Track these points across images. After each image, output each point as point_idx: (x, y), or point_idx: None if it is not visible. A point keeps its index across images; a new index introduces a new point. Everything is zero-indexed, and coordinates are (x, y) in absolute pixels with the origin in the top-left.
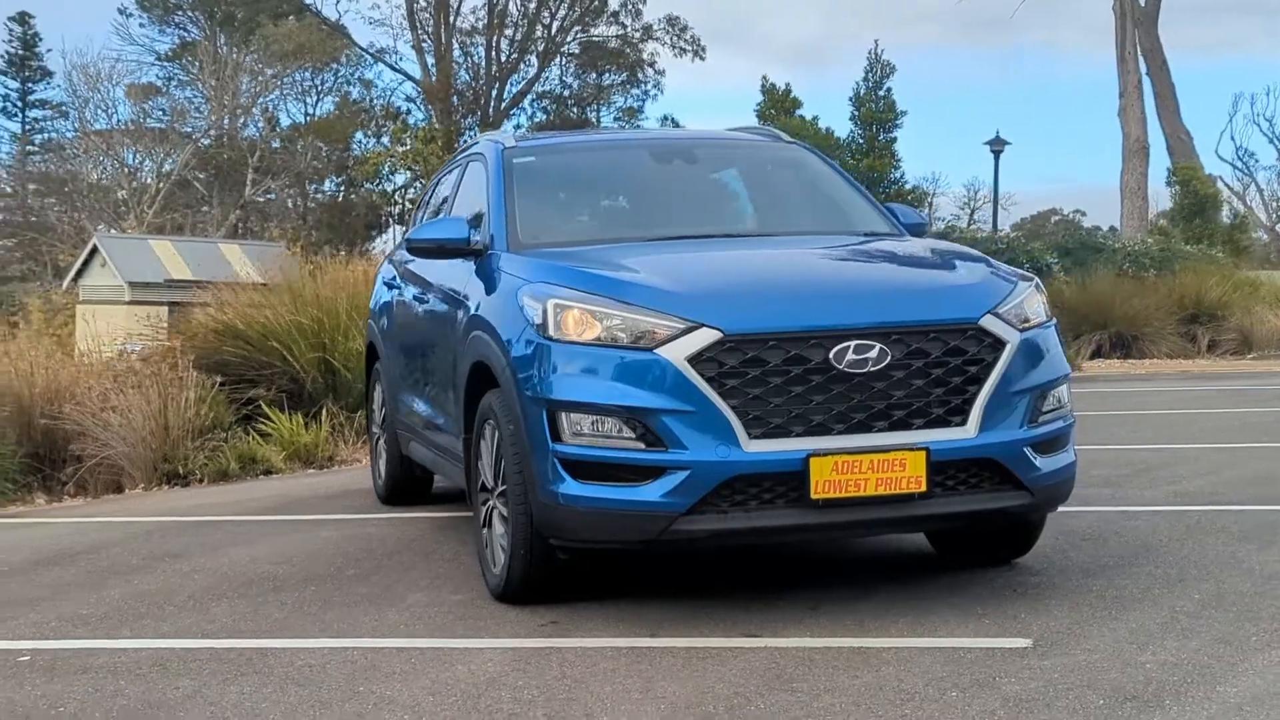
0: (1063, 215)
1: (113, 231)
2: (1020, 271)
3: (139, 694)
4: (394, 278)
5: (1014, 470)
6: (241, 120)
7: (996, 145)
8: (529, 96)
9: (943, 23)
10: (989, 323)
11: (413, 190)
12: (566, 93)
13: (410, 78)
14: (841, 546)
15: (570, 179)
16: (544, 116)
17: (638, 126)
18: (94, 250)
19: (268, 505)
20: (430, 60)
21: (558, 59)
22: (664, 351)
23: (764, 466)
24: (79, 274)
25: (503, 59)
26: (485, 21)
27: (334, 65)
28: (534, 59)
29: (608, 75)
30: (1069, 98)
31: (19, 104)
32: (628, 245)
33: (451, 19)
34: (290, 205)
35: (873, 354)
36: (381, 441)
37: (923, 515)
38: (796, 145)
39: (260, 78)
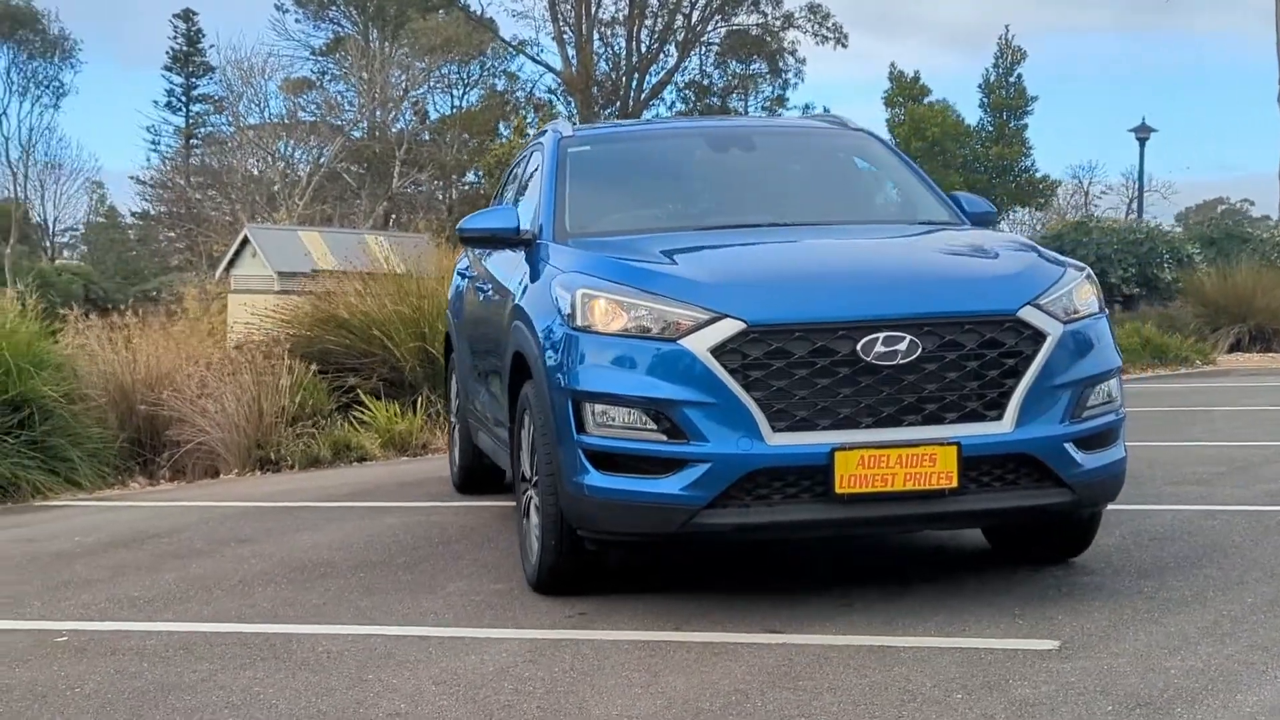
0: (1229, 204)
1: (264, 223)
2: (1073, 262)
3: (157, 676)
4: (467, 268)
5: (1053, 467)
6: (392, 113)
7: (1142, 132)
8: (669, 87)
9: (1103, 7)
10: (1028, 314)
11: None
12: (706, 82)
13: (551, 69)
14: (886, 542)
15: (624, 168)
16: (684, 106)
17: (777, 114)
18: (245, 241)
19: (347, 492)
20: (571, 51)
21: (697, 49)
22: (687, 342)
23: (787, 460)
24: (231, 264)
25: (643, 49)
26: (626, 12)
27: (480, 58)
28: (674, 49)
29: (748, 64)
30: (1234, 84)
31: (183, 99)
32: (674, 234)
33: (592, 10)
34: (438, 197)
35: (902, 346)
36: (456, 430)
37: (955, 512)
38: (862, 133)
39: (410, 71)
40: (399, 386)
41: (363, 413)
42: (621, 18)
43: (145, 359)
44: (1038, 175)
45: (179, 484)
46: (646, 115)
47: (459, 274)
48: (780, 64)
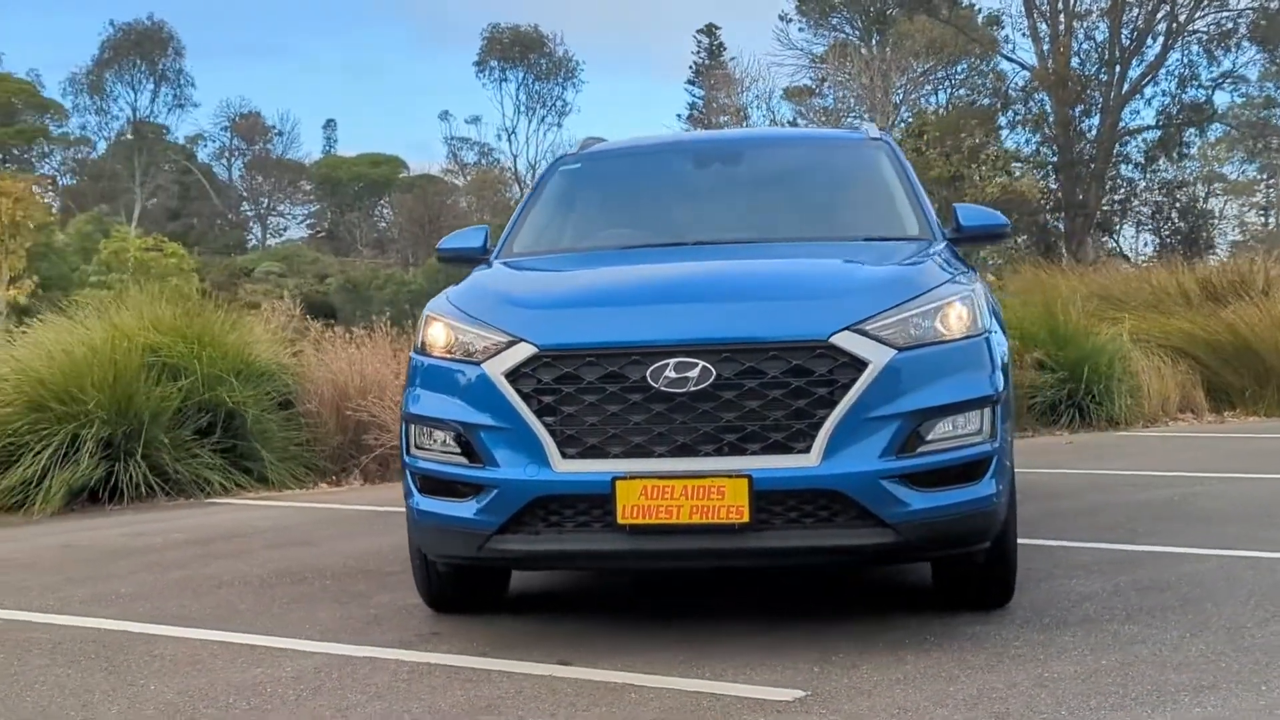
0: None
1: None
2: (971, 279)
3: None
4: None
5: (867, 505)
6: (891, 119)
7: None
8: (1149, 81)
9: None
10: (845, 340)
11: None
12: (1189, 74)
13: (1025, 66)
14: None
15: (602, 186)
16: (1166, 101)
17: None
18: None
19: None
20: (1046, 47)
21: (1180, 40)
22: (487, 366)
23: (572, 488)
24: None
25: (1123, 43)
26: (1106, 3)
27: (968, 58)
28: (1156, 41)
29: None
30: None
31: (704, 109)
32: (595, 255)
33: (1070, 3)
34: None
35: (694, 373)
36: None
37: (751, 549)
38: (873, 143)
39: (909, 74)
40: None
41: None
42: (1098, 10)
43: (361, 368)
44: None
45: (356, 486)
46: (1125, 111)
47: None
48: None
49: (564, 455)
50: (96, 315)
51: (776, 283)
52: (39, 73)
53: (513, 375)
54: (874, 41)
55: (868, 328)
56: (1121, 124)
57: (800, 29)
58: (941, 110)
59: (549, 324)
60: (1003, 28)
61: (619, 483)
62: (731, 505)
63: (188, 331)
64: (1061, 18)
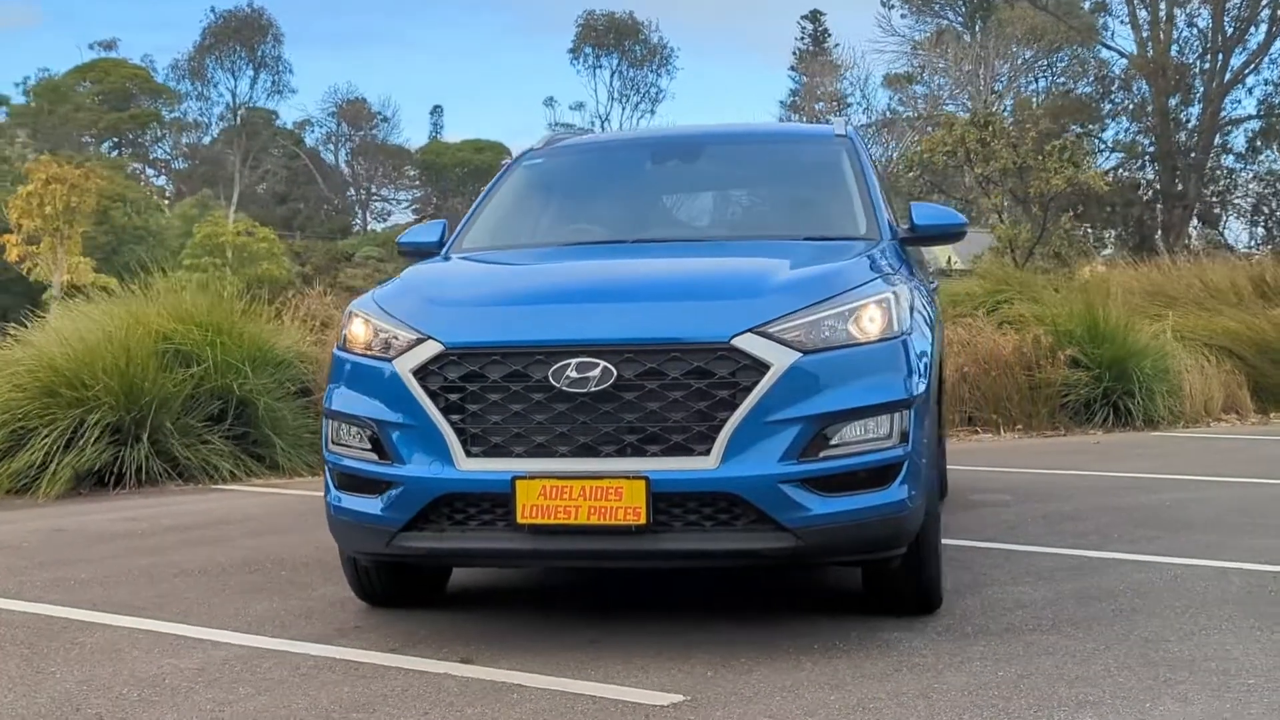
0: None
1: None
2: (905, 279)
3: None
4: None
5: (764, 509)
6: (995, 105)
7: None
8: (1251, 70)
9: None
10: (746, 342)
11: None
12: None
13: (1124, 54)
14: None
15: (560, 182)
16: (1269, 90)
17: None
18: None
19: None
20: (1145, 34)
21: None
22: (397, 363)
23: (475, 487)
24: None
25: (1225, 31)
26: None
27: (1069, 45)
28: (1259, 29)
29: None
30: None
31: (803, 97)
32: (525, 252)
33: None
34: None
35: (595, 373)
36: None
37: (649, 550)
38: (839, 141)
39: (1014, 62)
40: None
41: None
42: None
43: None
44: None
45: None
46: (1226, 100)
47: None
48: None
49: (469, 454)
50: (120, 303)
51: (688, 283)
52: (153, 58)
53: (420, 373)
54: (976, 29)
55: (771, 330)
56: (1223, 114)
57: (903, 15)
58: (1041, 98)
59: (457, 322)
60: (1105, 14)
61: (519, 482)
62: (629, 507)
63: (204, 320)
64: (1162, 5)
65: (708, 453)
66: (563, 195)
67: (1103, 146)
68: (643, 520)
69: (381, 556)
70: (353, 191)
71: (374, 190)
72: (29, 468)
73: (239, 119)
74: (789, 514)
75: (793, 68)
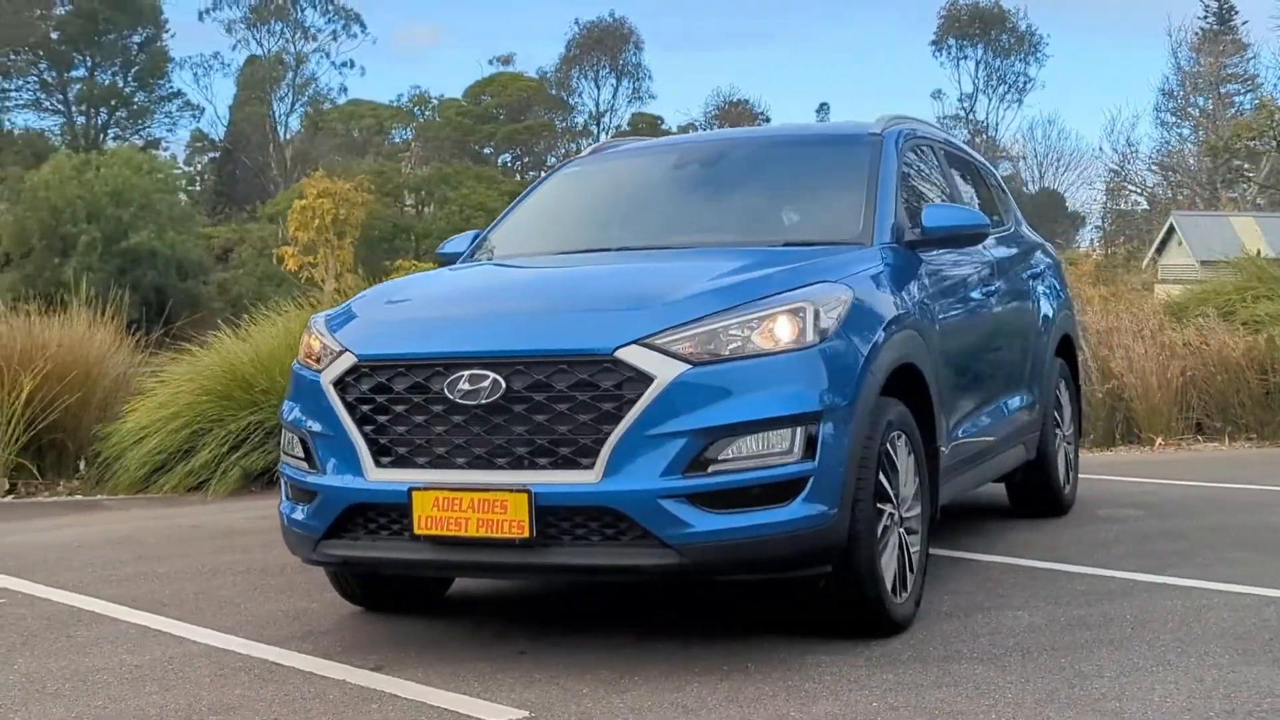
0: None
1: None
2: (832, 288)
3: None
4: None
5: (645, 525)
6: None
7: None
8: None
9: None
10: (630, 354)
11: None
12: None
13: None
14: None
15: (579, 190)
16: None
17: None
18: (1170, 229)
19: None
20: None
21: None
22: (322, 376)
23: (378, 497)
24: (1159, 250)
25: None
26: None
27: None
28: None
29: None
30: None
31: (1200, 80)
32: (491, 263)
33: None
34: None
35: (485, 385)
36: None
37: (537, 564)
38: (867, 142)
39: None
40: None
41: None
42: None
43: None
44: None
45: None
46: None
47: None
48: None
49: (377, 464)
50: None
51: (589, 294)
52: (546, 70)
53: (340, 385)
54: None
55: (658, 341)
56: None
57: None
58: None
59: (372, 335)
60: None
61: (415, 493)
62: (513, 520)
63: None
64: None
65: (591, 466)
66: (573, 204)
67: None
68: (526, 534)
69: (312, 562)
70: None
71: None
72: (202, 466)
73: (606, 126)
74: (671, 530)
75: (1194, 49)
